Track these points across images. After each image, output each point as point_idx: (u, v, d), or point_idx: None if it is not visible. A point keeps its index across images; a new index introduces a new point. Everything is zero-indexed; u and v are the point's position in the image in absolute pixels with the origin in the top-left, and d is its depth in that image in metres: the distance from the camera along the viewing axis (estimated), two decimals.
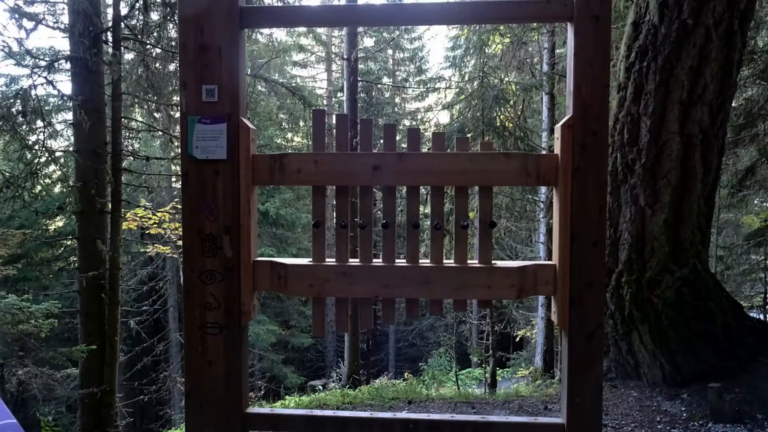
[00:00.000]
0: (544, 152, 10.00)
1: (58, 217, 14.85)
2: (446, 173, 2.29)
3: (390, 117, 23.76)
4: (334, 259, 2.39)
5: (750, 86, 8.95)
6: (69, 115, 10.83)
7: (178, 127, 6.43)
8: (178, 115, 6.38)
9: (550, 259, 2.98)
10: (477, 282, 2.28)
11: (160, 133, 10.29)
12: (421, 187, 2.40)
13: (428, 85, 23.39)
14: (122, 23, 8.10)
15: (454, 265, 2.33)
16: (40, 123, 7.79)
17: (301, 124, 20.07)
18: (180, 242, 8.76)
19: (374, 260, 2.39)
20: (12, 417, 1.67)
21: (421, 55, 26.19)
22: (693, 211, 5.22)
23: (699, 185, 5.19)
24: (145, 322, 14.85)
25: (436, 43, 51.48)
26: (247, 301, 2.34)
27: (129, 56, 9.48)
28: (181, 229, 3.55)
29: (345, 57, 12.42)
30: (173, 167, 12.75)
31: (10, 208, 11.59)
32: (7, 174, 8.26)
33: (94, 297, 7.72)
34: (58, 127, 10.56)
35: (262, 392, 12.57)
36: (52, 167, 9.23)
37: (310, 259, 2.41)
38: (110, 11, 8.25)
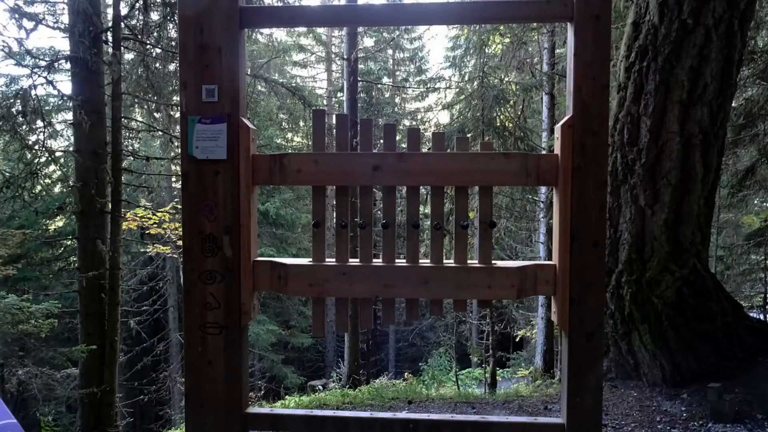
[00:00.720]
0: (544, 152, 10.00)
1: (58, 217, 14.83)
2: (446, 173, 2.29)
3: (390, 117, 23.74)
4: (334, 259, 2.39)
5: (750, 86, 8.94)
6: (69, 115, 10.82)
7: (178, 127, 6.43)
8: (178, 115, 6.37)
9: (550, 259, 2.98)
10: (477, 282, 2.28)
11: (160, 133, 10.30)
12: (421, 187, 2.40)
13: (428, 85, 23.36)
14: (122, 23, 8.10)
15: (454, 265, 2.33)
16: (40, 123, 7.79)
17: (301, 124, 20.08)
18: (180, 242, 8.75)
19: (374, 260, 2.39)
20: (12, 417, 1.67)
21: (421, 55, 26.18)
22: (693, 211, 5.22)
23: (699, 185, 5.18)
24: (145, 322, 14.85)
25: (436, 43, 51.57)
26: (247, 301, 2.34)
27: (129, 56, 9.49)
28: (181, 229, 3.55)
29: (345, 57, 12.41)
30: (173, 167, 12.76)
31: (10, 208, 11.59)
32: (7, 174, 8.26)
33: (94, 297, 7.72)
34: (58, 127, 10.55)
35: (262, 392, 12.55)
36: (52, 167, 9.23)
37: (310, 259, 2.41)
38: (110, 11, 8.26)
